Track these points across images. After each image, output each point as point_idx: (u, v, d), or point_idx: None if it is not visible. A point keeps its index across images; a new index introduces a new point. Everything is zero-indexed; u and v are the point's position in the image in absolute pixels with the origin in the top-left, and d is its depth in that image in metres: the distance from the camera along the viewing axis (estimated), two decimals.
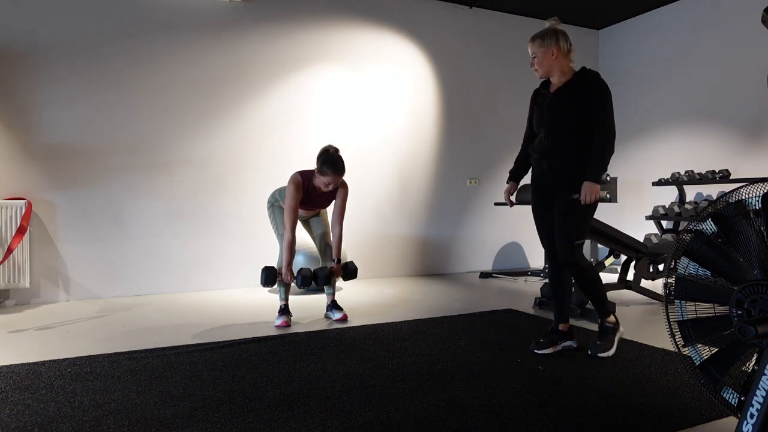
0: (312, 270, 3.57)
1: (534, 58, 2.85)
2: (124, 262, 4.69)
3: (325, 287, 3.75)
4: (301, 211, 3.64)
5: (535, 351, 2.86)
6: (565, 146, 2.79)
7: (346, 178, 3.56)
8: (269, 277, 3.49)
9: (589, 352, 2.81)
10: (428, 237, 6.04)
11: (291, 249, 3.49)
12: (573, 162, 2.77)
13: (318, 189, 3.53)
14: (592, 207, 2.79)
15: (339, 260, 3.63)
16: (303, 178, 3.50)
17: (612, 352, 2.79)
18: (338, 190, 3.60)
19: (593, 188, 2.68)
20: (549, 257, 2.97)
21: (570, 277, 2.96)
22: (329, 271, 3.59)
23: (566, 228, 2.78)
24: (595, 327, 3.40)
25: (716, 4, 5.71)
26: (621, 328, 2.93)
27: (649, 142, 6.36)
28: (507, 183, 3.13)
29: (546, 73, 2.86)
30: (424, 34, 5.99)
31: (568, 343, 2.93)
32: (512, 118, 6.47)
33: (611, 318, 2.90)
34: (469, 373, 2.51)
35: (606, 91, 2.73)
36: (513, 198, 3.13)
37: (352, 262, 3.71)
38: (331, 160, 3.42)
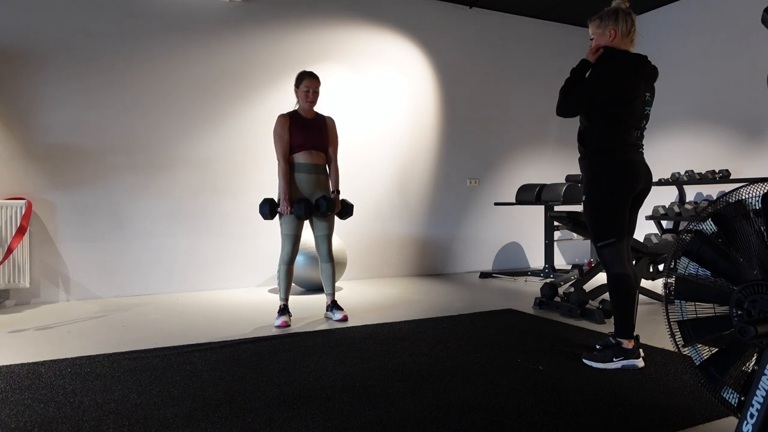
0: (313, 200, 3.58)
1: (591, 39, 2.64)
2: (124, 262, 4.69)
3: (324, 287, 3.75)
4: (303, 157, 3.56)
5: (583, 360, 2.66)
6: (580, 138, 2.67)
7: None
8: (267, 209, 3.53)
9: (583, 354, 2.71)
10: (428, 237, 6.04)
11: (287, 179, 3.54)
12: (583, 157, 2.64)
13: (305, 115, 3.63)
14: (602, 205, 2.56)
15: (338, 191, 3.69)
16: (288, 112, 3.65)
17: (601, 366, 2.55)
18: (326, 123, 3.70)
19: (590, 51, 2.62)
20: None
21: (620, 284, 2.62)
22: (330, 199, 3.60)
23: (588, 229, 2.66)
24: (594, 327, 3.42)
25: (716, 4, 5.71)
26: (637, 361, 2.53)
27: (649, 142, 6.33)
28: None
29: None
30: (424, 34, 5.99)
31: (629, 362, 2.56)
32: (512, 117, 6.47)
33: (627, 343, 2.54)
34: (469, 373, 2.51)
35: (595, 72, 2.52)
36: None
37: (348, 200, 3.80)
38: (304, 71, 3.65)
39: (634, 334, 2.62)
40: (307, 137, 3.60)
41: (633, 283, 2.60)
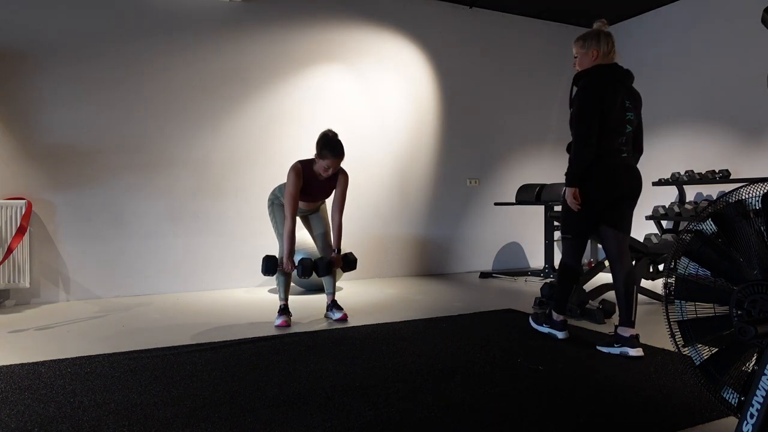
0: (312, 259, 3.57)
1: (576, 58, 2.94)
2: (124, 262, 4.69)
3: (325, 287, 3.75)
4: (301, 204, 3.61)
5: (597, 347, 2.90)
6: (568, 148, 2.93)
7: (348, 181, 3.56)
8: (270, 265, 3.47)
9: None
10: (428, 237, 6.03)
11: (291, 238, 3.47)
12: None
13: (318, 176, 3.51)
14: (571, 207, 2.89)
15: (339, 250, 3.61)
16: (303, 166, 3.49)
17: (535, 326, 3.21)
18: (338, 179, 3.58)
19: (568, 192, 2.86)
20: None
21: (622, 278, 2.89)
22: (330, 260, 3.58)
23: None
24: (594, 327, 3.42)
25: (716, 4, 5.71)
26: (561, 334, 3.08)
27: (649, 142, 6.29)
28: None
29: None
30: (424, 34, 5.99)
31: (626, 349, 2.75)
32: (512, 117, 6.47)
33: (556, 316, 3.10)
34: (469, 373, 2.51)
35: (579, 93, 2.78)
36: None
37: (351, 253, 3.70)
38: (330, 143, 3.41)
39: (635, 333, 2.76)
40: (314, 195, 3.59)
41: (576, 276, 3.12)
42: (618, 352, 2.77)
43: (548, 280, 4.87)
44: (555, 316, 3.11)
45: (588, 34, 2.89)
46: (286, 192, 3.45)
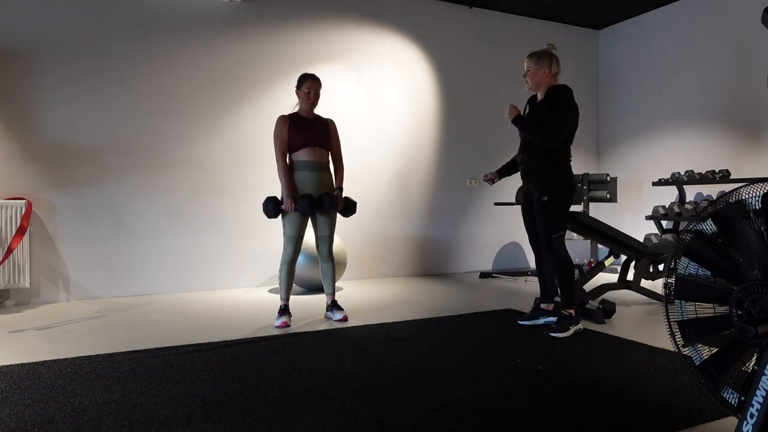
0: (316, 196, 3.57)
1: (528, 71, 3.33)
2: (124, 262, 4.68)
3: (324, 287, 3.75)
4: (305, 155, 3.56)
5: (518, 322, 3.49)
6: (532, 154, 3.28)
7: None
8: (272, 207, 3.50)
9: (544, 330, 3.25)
10: (428, 237, 6.03)
11: (287, 176, 3.55)
12: (539, 167, 3.26)
13: (305, 117, 3.64)
14: (562, 206, 3.24)
15: (342, 189, 3.71)
16: (287, 114, 3.66)
17: (563, 335, 3.15)
18: (328, 125, 3.70)
19: (510, 111, 3.28)
20: (532, 246, 3.53)
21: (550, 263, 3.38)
22: (333, 196, 3.60)
23: (542, 224, 3.28)
24: (594, 327, 3.42)
25: (716, 4, 5.71)
26: (580, 325, 3.26)
27: (649, 142, 6.35)
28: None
29: (535, 88, 3.34)
30: (424, 34, 5.99)
31: (550, 319, 3.39)
32: None
33: (572, 310, 3.24)
34: (469, 373, 2.51)
35: (566, 104, 3.18)
36: (490, 178, 3.68)
37: (350, 198, 3.78)
38: (306, 73, 3.68)
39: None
40: (308, 135, 3.60)
41: (573, 267, 3.34)
42: (572, 332, 3.18)
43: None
44: (573, 312, 3.25)
45: (542, 53, 3.29)
46: (274, 135, 3.59)
